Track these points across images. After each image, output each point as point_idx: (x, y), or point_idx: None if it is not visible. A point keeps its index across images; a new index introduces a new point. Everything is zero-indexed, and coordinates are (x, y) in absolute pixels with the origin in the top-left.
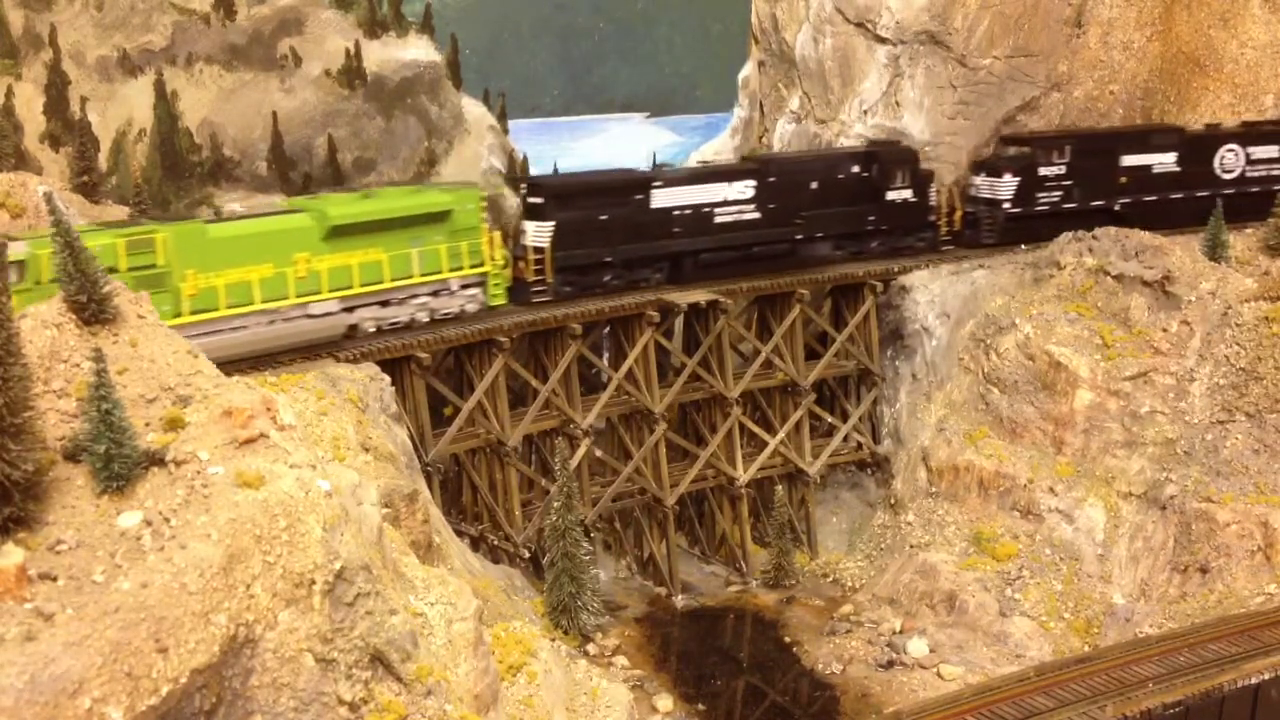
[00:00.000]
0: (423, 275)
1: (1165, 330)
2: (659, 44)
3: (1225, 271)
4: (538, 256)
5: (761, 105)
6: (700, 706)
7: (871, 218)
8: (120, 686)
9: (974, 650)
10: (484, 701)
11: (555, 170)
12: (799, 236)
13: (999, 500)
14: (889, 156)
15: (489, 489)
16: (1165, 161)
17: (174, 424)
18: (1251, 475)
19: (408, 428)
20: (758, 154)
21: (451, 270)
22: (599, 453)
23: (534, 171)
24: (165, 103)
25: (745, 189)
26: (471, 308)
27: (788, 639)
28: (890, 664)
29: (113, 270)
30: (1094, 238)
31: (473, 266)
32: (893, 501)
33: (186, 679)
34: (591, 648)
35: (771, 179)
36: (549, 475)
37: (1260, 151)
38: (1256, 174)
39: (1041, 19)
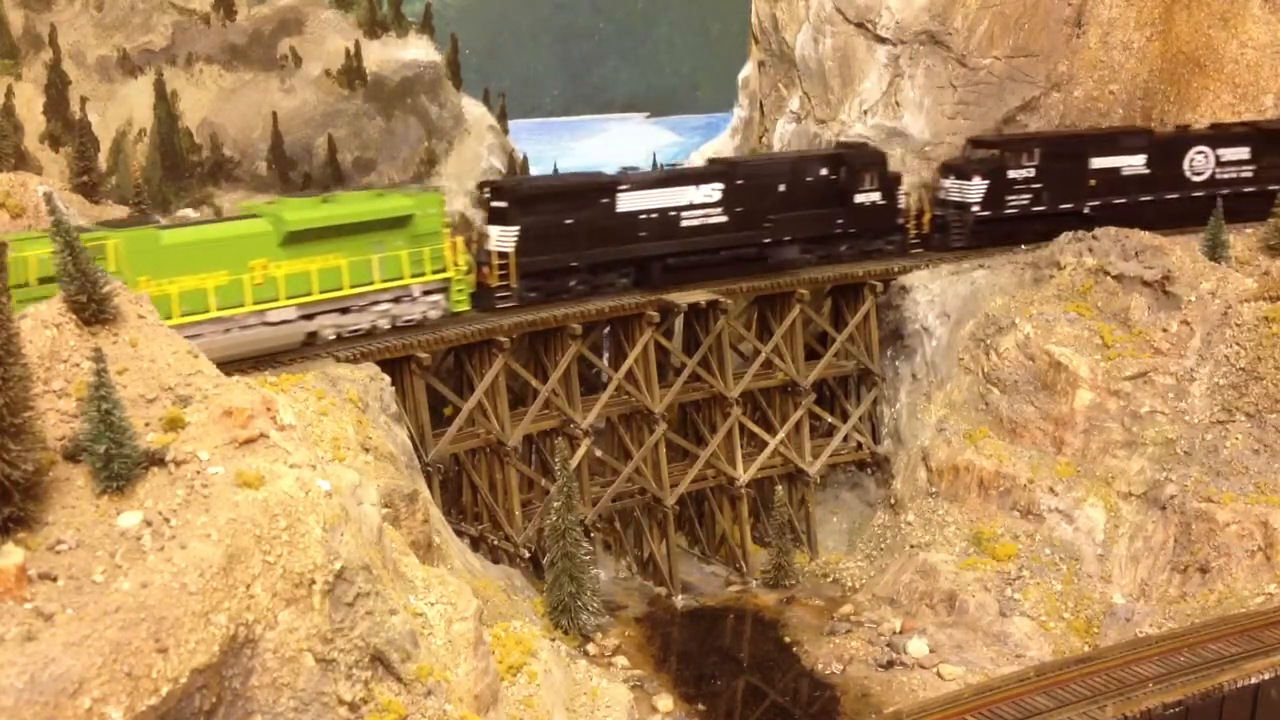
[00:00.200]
0: (384, 281)
1: (1165, 330)
2: (659, 44)
3: (1225, 271)
4: (502, 262)
5: (761, 105)
6: (700, 706)
7: (840, 221)
8: (120, 686)
9: (974, 650)
10: (484, 701)
11: (555, 170)
12: (767, 240)
13: (999, 500)
14: (857, 159)
15: (489, 489)
16: (1134, 164)
17: (174, 424)
18: (1251, 475)
19: (408, 428)
20: (724, 157)
21: (413, 276)
22: (599, 453)
23: (534, 172)
24: (165, 103)
25: (712, 192)
26: (434, 314)
27: (788, 639)
28: (890, 664)
29: None
30: (1094, 238)
31: (435, 272)
32: (893, 501)
33: (186, 679)
34: (591, 648)
35: (739, 182)
36: (549, 475)
37: (1230, 153)
38: (1226, 176)
39: (1041, 19)
